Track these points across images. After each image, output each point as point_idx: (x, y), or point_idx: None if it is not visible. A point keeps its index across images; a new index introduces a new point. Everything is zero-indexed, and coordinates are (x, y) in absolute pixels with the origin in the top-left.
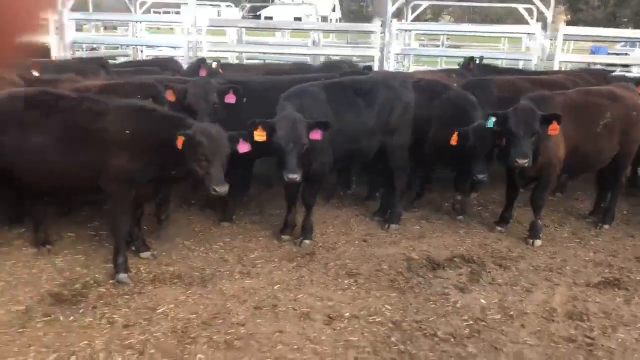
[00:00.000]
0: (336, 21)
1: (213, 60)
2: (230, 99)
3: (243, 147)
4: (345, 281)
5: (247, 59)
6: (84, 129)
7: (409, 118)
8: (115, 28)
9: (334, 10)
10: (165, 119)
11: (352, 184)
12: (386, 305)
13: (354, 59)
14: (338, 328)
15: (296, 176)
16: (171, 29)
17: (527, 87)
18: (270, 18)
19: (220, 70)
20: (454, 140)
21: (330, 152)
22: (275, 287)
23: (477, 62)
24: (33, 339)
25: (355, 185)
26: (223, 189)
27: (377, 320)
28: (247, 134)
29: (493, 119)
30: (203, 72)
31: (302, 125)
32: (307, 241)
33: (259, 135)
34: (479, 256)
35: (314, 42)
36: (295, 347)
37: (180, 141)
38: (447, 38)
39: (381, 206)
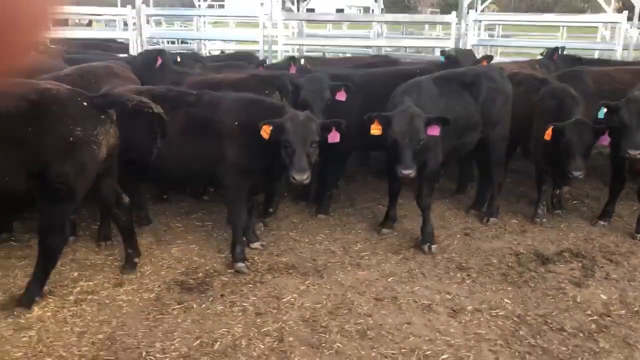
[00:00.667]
0: (380, 11)
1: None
2: (342, 96)
3: (334, 137)
4: (458, 275)
5: (307, 51)
6: (203, 123)
7: (509, 110)
8: (172, 23)
9: (375, 0)
10: (272, 109)
11: (439, 177)
12: (505, 299)
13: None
14: (463, 321)
15: (411, 172)
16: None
17: (625, 78)
18: (313, 10)
19: (308, 66)
20: (547, 136)
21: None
22: (389, 279)
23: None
24: (173, 325)
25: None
26: (302, 177)
27: (500, 314)
28: (341, 123)
29: (604, 110)
30: (293, 70)
31: (420, 120)
32: (434, 246)
33: (375, 129)
34: (587, 251)
35: (377, 34)
36: (427, 338)
37: (264, 131)
38: (503, 28)
39: (477, 199)
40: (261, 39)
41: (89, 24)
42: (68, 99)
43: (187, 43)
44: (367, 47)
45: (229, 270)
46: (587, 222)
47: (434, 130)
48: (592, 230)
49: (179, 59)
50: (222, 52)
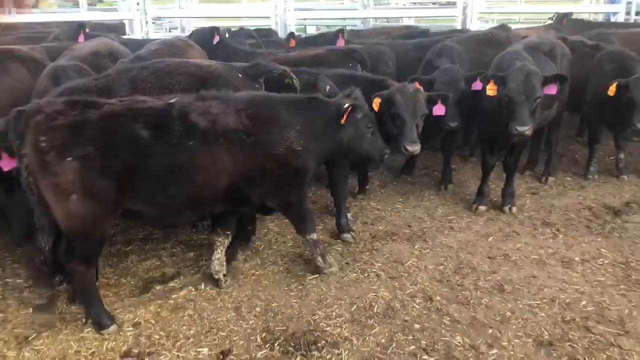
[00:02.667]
0: None
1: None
2: (478, 86)
3: (439, 110)
4: (547, 230)
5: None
6: None
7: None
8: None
9: None
10: (372, 83)
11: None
12: (602, 249)
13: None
14: (579, 271)
15: (527, 128)
16: None
17: None
18: None
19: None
20: (611, 92)
21: None
22: (489, 239)
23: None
24: (320, 293)
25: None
26: (414, 147)
27: (605, 262)
28: (447, 97)
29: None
30: (341, 42)
31: (537, 78)
32: (514, 207)
33: (491, 90)
34: None
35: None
36: (557, 288)
37: (376, 103)
38: None
39: (530, 160)
40: (273, 14)
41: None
42: (228, 73)
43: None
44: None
45: (338, 241)
46: (635, 175)
47: (552, 89)
48: None
49: (227, 35)
50: (241, 28)
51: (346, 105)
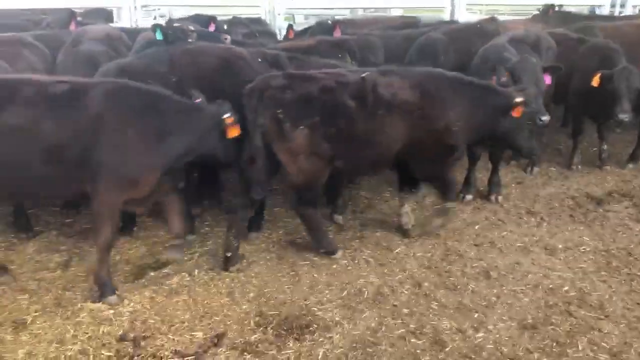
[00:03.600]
0: None
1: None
2: (548, 79)
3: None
4: (532, 219)
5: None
6: None
7: None
8: None
9: None
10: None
11: None
12: (584, 237)
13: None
14: (562, 258)
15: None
16: None
17: (634, 33)
18: None
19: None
20: (595, 83)
21: None
22: (476, 227)
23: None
24: (312, 279)
25: None
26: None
27: (587, 249)
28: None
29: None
30: (338, 33)
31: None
32: (500, 196)
33: (595, 83)
34: (630, 190)
35: None
36: (541, 275)
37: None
38: None
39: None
40: (264, 2)
41: None
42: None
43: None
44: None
45: (328, 227)
46: (616, 166)
47: (547, 79)
48: (625, 173)
49: (225, 26)
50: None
51: (519, 100)
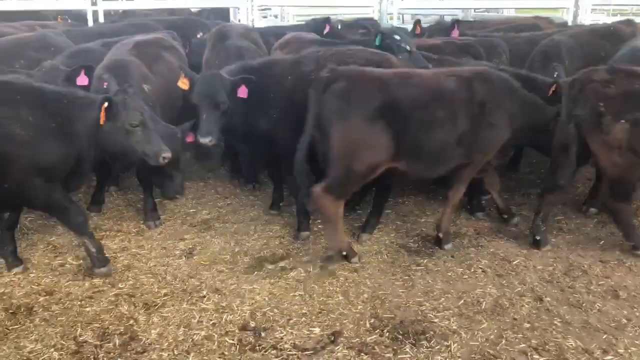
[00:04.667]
0: None
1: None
2: None
3: None
4: None
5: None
6: None
7: None
8: None
9: None
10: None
11: None
12: None
13: None
14: None
15: None
16: None
17: None
18: None
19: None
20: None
21: None
22: (600, 243)
23: None
24: (426, 285)
25: None
26: None
27: None
28: None
29: None
30: (455, 33)
31: None
32: None
33: None
34: None
35: None
36: None
37: None
38: None
39: None
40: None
41: None
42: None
43: None
44: None
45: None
46: None
47: None
48: None
49: (339, 27)
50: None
51: None
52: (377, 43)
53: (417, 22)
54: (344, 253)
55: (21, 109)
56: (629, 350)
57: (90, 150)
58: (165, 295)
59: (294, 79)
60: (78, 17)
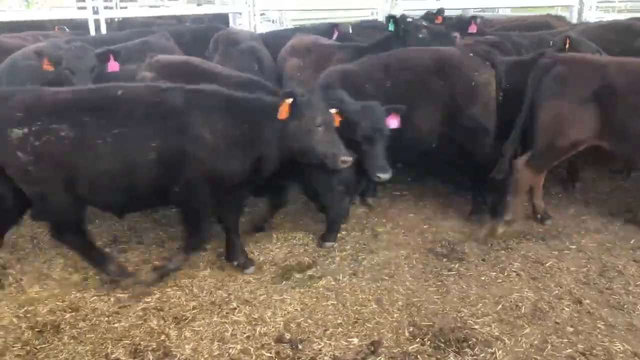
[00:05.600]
0: None
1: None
2: None
3: None
4: None
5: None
6: None
7: None
8: None
9: None
10: None
11: None
12: None
13: None
14: None
15: None
16: None
17: None
18: None
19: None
20: None
21: None
22: (631, 242)
23: None
24: (460, 290)
25: None
26: None
27: None
28: None
29: None
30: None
31: None
32: None
33: None
34: None
35: None
36: None
37: None
38: None
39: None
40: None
41: None
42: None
43: None
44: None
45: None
46: None
47: None
48: None
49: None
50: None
51: None
52: (390, 28)
53: (439, 12)
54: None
55: (213, 115)
56: None
57: (275, 151)
58: (194, 308)
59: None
60: (78, 26)
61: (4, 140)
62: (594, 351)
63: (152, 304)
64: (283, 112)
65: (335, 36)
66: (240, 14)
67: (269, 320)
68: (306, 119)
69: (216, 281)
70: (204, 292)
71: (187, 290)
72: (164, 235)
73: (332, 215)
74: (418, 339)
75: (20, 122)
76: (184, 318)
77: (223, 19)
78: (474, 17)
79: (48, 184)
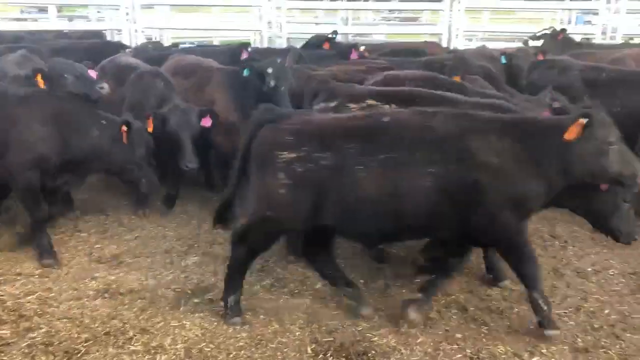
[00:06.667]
0: None
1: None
2: None
3: None
4: (556, 242)
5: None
6: None
7: None
8: None
9: None
10: None
11: None
12: (610, 261)
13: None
14: (594, 281)
15: None
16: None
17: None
18: None
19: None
20: None
21: None
22: None
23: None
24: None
25: None
26: None
27: (615, 272)
28: None
29: None
30: (355, 55)
31: None
32: None
33: None
34: None
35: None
36: (579, 297)
37: None
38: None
39: None
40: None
41: None
42: None
43: None
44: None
45: None
46: None
47: None
48: None
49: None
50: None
51: None
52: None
53: (328, 39)
54: None
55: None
56: (550, 350)
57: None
58: (86, 340)
59: None
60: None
61: None
62: (480, 354)
63: (38, 339)
64: (575, 133)
65: (244, 57)
66: (119, 30)
67: (169, 347)
68: (599, 137)
69: (110, 310)
70: (97, 322)
71: (77, 322)
72: None
73: None
74: (320, 355)
75: None
76: (75, 352)
77: (98, 35)
78: (354, 45)
79: None
